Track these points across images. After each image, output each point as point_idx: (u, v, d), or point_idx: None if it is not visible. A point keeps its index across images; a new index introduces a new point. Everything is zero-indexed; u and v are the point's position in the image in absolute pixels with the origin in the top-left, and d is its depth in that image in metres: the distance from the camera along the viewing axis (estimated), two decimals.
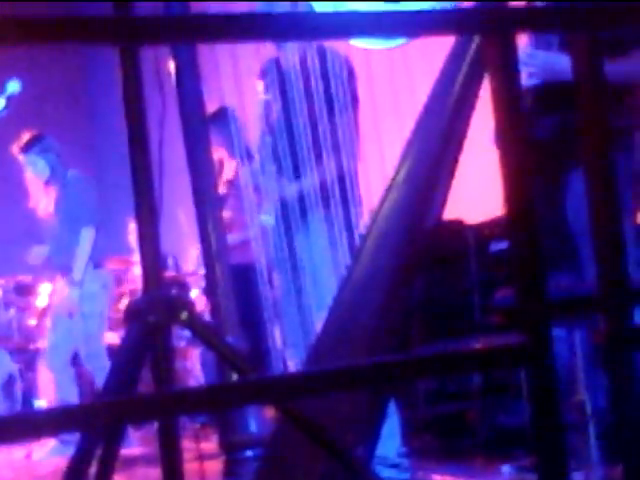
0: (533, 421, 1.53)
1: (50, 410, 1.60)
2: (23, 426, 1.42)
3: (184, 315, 2.02)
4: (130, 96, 2.25)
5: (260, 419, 3.04)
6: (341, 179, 3.60)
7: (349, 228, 3.57)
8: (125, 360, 2.02)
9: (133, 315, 2.01)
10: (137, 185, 2.19)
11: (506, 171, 1.64)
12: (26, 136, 6.10)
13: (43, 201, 6.18)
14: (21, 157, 6.12)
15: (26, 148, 6.10)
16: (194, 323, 2.03)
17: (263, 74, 4.09)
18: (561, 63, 3.11)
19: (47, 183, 6.15)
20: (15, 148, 6.10)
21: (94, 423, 1.61)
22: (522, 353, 1.53)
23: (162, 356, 2.04)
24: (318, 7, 3.13)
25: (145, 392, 1.95)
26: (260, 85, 4.16)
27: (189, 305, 2.04)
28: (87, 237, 6.04)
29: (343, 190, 3.58)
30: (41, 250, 6.26)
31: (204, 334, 2.10)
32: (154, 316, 1.99)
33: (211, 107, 4.50)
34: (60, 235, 6.08)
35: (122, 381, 2.01)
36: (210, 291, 3.44)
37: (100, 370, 6.12)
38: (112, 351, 6.46)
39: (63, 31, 1.65)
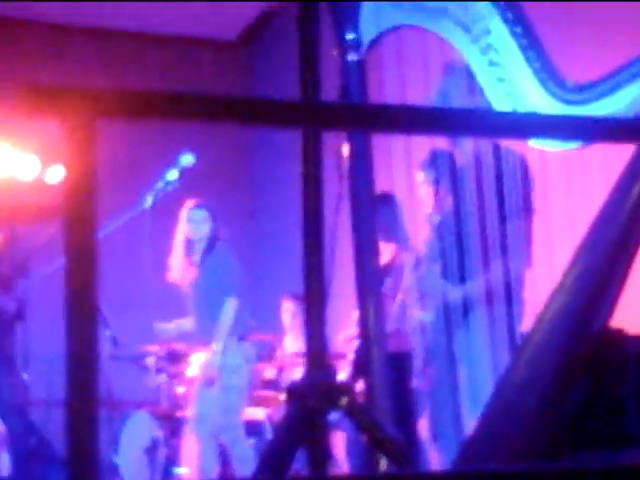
0: None
1: None
2: None
3: (344, 401, 2.02)
4: (309, 178, 2.29)
5: None
6: (507, 283, 3.55)
7: (510, 329, 3.52)
8: (282, 440, 2.03)
9: (294, 396, 2.02)
10: (308, 267, 2.21)
11: None
12: (197, 199, 6.27)
13: (181, 265, 6.30)
14: (186, 212, 6.27)
15: (200, 206, 6.26)
16: (354, 410, 2.03)
17: (425, 165, 4.10)
18: None
19: (190, 246, 6.29)
20: (190, 203, 6.25)
21: None
22: None
23: (319, 439, 2.04)
24: (496, 105, 3.12)
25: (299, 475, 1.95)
26: (420, 176, 4.17)
27: (350, 391, 2.04)
28: (230, 308, 6.12)
29: (508, 292, 3.53)
30: (165, 326, 6.41)
31: (363, 422, 2.10)
32: (314, 399, 2.00)
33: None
34: (205, 305, 6.18)
35: (277, 460, 2.02)
36: (364, 377, 3.43)
37: (235, 443, 6.16)
38: (250, 427, 6.49)
39: (251, 112, 1.70)
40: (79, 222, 1.49)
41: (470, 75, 3.21)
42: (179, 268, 6.30)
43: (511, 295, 3.55)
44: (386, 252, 5.54)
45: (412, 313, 4.03)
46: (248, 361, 6.22)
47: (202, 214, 6.25)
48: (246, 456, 6.13)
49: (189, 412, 6.34)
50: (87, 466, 1.46)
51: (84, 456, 1.46)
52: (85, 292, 1.47)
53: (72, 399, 1.44)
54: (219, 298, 6.14)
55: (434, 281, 3.86)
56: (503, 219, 3.56)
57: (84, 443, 1.45)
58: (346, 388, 2.04)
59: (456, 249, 3.69)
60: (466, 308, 3.67)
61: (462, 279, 3.70)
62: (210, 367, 6.12)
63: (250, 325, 6.42)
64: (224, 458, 6.24)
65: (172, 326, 6.46)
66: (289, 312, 7.38)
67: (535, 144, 3.10)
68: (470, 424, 3.43)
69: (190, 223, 6.25)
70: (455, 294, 3.74)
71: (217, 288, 6.15)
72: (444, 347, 3.74)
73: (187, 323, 6.40)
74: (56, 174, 8.21)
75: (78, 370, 1.45)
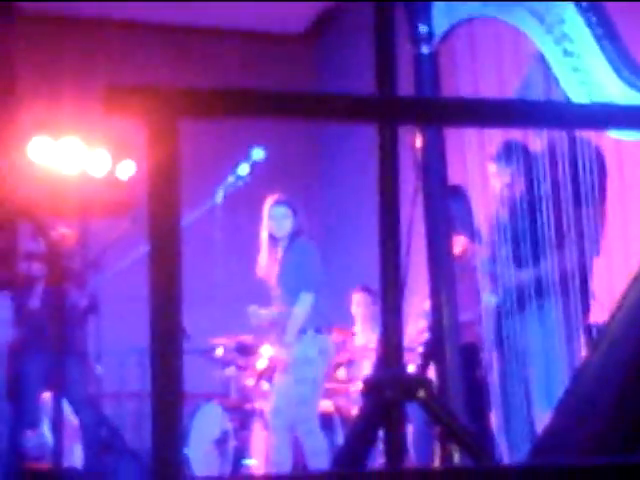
0: None
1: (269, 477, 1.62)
2: None
3: (421, 393, 2.03)
4: (385, 172, 2.29)
5: None
6: (573, 271, 3.54)
7: (576, 318, 3.49)
8: (359, 432, 2.04)
9: (371, 389, 2.03)
10: (384, 259, 2.22)
11: None
12: (278, 195, 6.27)
13: (266, 259, 6.33)
14: (267, 209, 6.28)
15: (280, 202, 6.26)
16: (431, 402, 2.03)
17: (498, 157, 4.08)
18: None
19: (275, 242, 6.31)
20: (271, 199, 6.25)
21: None
22: None
23: (395, 432, 2.04)
24: (572, 95, 3.09)
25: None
26: (493, 167, 4.15)
27: (427, 384, 2.04)
28: (304, 302, 6.13)
29: (573, 281, 3.51)
30: (259, 311, 6.41)
31: (440, 415, 2.10)
32: (391, 392, 2.01)
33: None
34: (287, 300, 6.20)
35: (354, 453, 2.03)
36: (434, 368, 3.42)
37: (309, 436, 6.16)
38: (320, 419, 6.50)
39: (331, 109, 1.70)
40: (162, 220, 1.50)
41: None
42: (265, 264, 6.33)
43: (576, 284, 3.53)
44: (457, 244, 5.52)
45: (482, 303, 4.02)
46: (322, 353, 6.20)
47: (283, 210, 6.24)
48: (320, 449, 6.13)
49: (267, 405, 6.37)
50: (171, 460, 1.48)
51: (169, 449, 1.48)
52: (169, 285, 1.49)
53: (156, 389, 1.46)
54: (299, 292, 6.16)
55: (501, 263, 3.86)
56: (574, 208, 3.53)
57: (169, 435, 1.47)
58: (423, 380, 2.05)
59: (523, 235, 3.69)
60: (531, 294, 3.67)
61: (527, 264, 3.70)
62: (278, 359, 6.17)
63: (328, 318, 6.41)
64: (296, 450, 6.25)
65: (265, 312, 6.47)
66: (360, 305, 7.37)
67: (610, 133, 3.07)
68: (539, 415, 3.42)
69: (271, 220, 6.25)
70: (524, 275, 3.73)
71: (297, 283, 6.17)
72: (510, 333, 3.74)
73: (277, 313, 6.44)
74: (127, 169, 8.30)
75: (162, 360, 1.47)
